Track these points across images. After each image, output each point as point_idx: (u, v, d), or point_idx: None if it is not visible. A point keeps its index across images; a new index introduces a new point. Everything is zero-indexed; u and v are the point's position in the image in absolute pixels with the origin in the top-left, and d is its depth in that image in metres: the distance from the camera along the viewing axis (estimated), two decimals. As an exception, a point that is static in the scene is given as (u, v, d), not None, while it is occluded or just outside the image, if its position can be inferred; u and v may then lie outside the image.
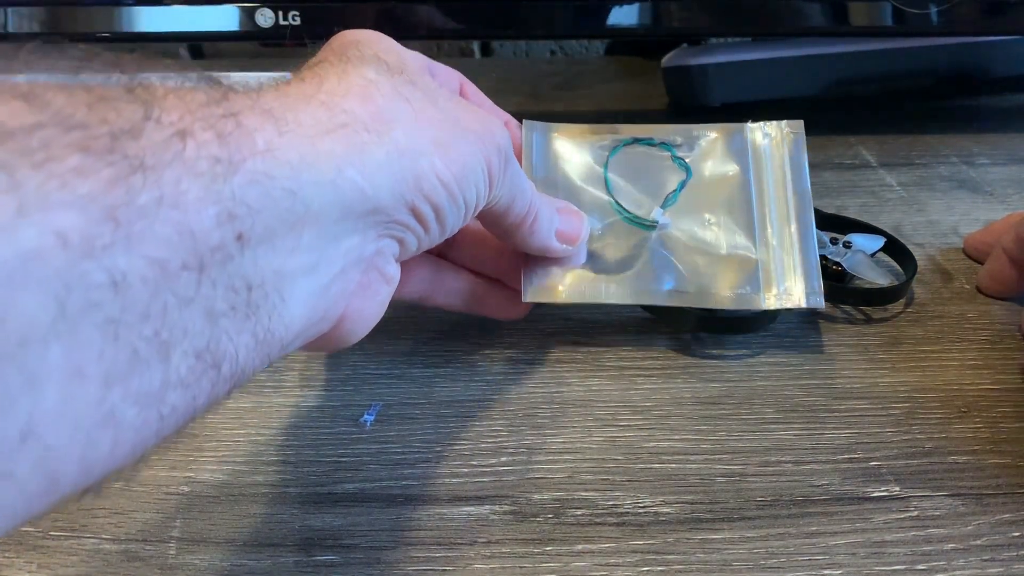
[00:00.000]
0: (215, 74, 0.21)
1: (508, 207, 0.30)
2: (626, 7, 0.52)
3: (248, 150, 0.19)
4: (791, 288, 0.35)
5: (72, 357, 0.15)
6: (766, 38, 0.60)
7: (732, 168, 0.38)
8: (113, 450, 0.17)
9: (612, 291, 0.35)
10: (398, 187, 0.24)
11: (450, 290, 0.35)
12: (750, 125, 0.39)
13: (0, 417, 0.14)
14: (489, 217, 0.30)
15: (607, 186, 0.38)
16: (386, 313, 0.27)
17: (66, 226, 0.15)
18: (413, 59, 0.29)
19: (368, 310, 0.26)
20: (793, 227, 0.37)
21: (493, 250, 0.35)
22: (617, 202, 0.37)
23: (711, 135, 0.39)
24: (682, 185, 0.38)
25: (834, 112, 0.61)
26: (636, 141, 0.39)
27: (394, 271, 0.27)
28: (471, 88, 0.35)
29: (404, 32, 0.56)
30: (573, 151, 0.39)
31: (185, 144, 0.18)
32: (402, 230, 0.25)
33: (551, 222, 0.33)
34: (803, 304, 0.35)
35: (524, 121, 0.39)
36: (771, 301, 0.35)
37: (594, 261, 0.36)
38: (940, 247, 0.44)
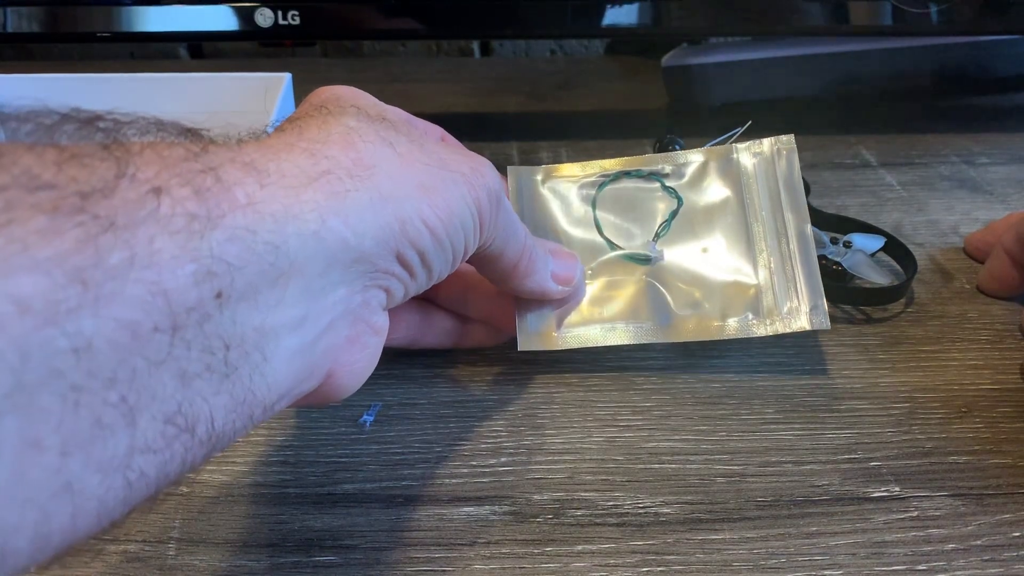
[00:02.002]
0: (196, 128, 0.21)
1: (502, 250, 0.30)
2: (626, 6, 0.52)
3: (228, 205, 0.19)
4: (794, 311, 0.34)
5: (27, 429, 0.14)
6: (766, 38, 0.61)
7: (724, 192, 0.37)
8: (74, 520, 0.16)
9: (609, 335, 0.35)
10: (382, 234, 0.23)
11: (438, 332, 0.35)
12: (738, 146, 0.38)
13: None
14: (484, 261, 0.30)
15: (597, 224, 0.37)
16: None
17: (26, 292, 0.14)
18: (394, 112, 0.28)
19: (358, 363, 0.25)
20: (792, 246, 0.35)
21: (481, 294, 0.34)
22: (608, 239, 0.37)
23: (699, 160, 0.38)
24: (673, 215, 0.37)
25: (834, 112, 0.61)
26: (624, 175, 0.38)
27: (382, 321, 0.26)
28: (452, 140, 0.34)
29: (404, 32, 0.56)
30: (560, 193, 0.38)
31: (160, 201, 0.17)
32: (388, 278, 0.24)
33: (546, 264, 0.33)
34: (807, 327, 0.34)
35: (509, 168, 0.38)
36: (773, 327, 0.34)
37: (589, 303, 0.35)
38: (940, 247, 0.44)
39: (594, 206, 0.38)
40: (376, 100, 0.28)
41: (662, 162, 0.39)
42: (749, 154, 0.38)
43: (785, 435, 0.32)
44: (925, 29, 0.52)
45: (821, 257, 0.40)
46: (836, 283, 0.39)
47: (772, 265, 0.35)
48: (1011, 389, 0.34)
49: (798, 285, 0.35)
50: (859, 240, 0.41)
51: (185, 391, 0.18)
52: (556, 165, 0.39)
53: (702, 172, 0.38)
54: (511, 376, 0.35)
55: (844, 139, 0.57)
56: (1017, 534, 0.28)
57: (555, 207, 0.38)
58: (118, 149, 0.18)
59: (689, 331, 0.35)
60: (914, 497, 0.29)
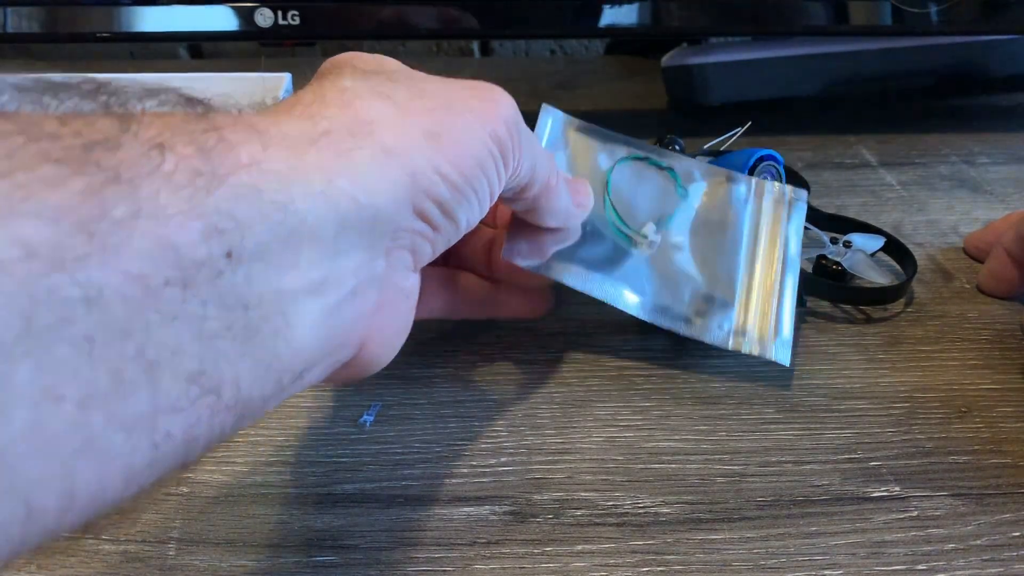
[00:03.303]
0: (197, 96, 0.21)
1: (531, 177, 0.28)
2: (626, 6, 0.52)
3: (232, 164, 0.19)
4: (763, 337, 0.35)
5: (43, 377, 0.14)
6: (766, 38, 0.60)
7: (730, 214, 0.38)
8: (101, 480, 0.16)
9: (590, 283, 0.34)
10: (393, 189, 0.22)
11: (470, 301, 0.34)
12: (756, 180, 0.39)
13: None
14: (514, 193, 0.29)
15: (608, 190, 0.37)
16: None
17: (32, 237, 0.14)
18: (392, 63, 0.27)
19: (391, 329, 0.25)
20: (776, 282, 0.36)
21: (483, 248, 0.34)
22: (615, 208, 0.37)
23: (718, 178, 0.39)
24: (679, 212, 0.38)
25: (834, 112, 0.61)
26: (647, 159, 0.39)
27: (412, 284, 0.25)
28: None
29: (404, 32, 0.56)
30: (585, 148, 0.38)
31: (164, 157, 0.17)
32: (411, 236, 0.24)
33: (566, 190, 0.32)
34: (769, 356, 0.34)
35: (543, 105, 0.38)
36: (740, 344, 0.35)
37: (584, 251, 0.35)
38: (940, 246, 0.44)
39: (610, 172, 0.38)
40: (374, 55, 0.27)
41: (688, 165, 0.39)
42: (764, 189, 0.39)
43: (785, 435, 0.32)
44: (925, 29, 0.52)
45: (821, 257, 0.40)
46: (836, 283, 0.39)
47: (754, 292, 0.36)
48: (1011, 389, 0.34)
49: (771, 316, 0.36)
50: (859, 240, 0.41)
51: (206, 350, 0.18)
52: (589, 125, 0.39)
53: (717, 190, 0.39)
54: (511, 376, 0.35)
55: (844, 139, 0.57)
56: (1017, 534, 0.28)
57: (575, 157, 0.38)
58: (120, 110, 0.18)
59: (660, 317, 0.35)
60: (914, 497, 0.29)
